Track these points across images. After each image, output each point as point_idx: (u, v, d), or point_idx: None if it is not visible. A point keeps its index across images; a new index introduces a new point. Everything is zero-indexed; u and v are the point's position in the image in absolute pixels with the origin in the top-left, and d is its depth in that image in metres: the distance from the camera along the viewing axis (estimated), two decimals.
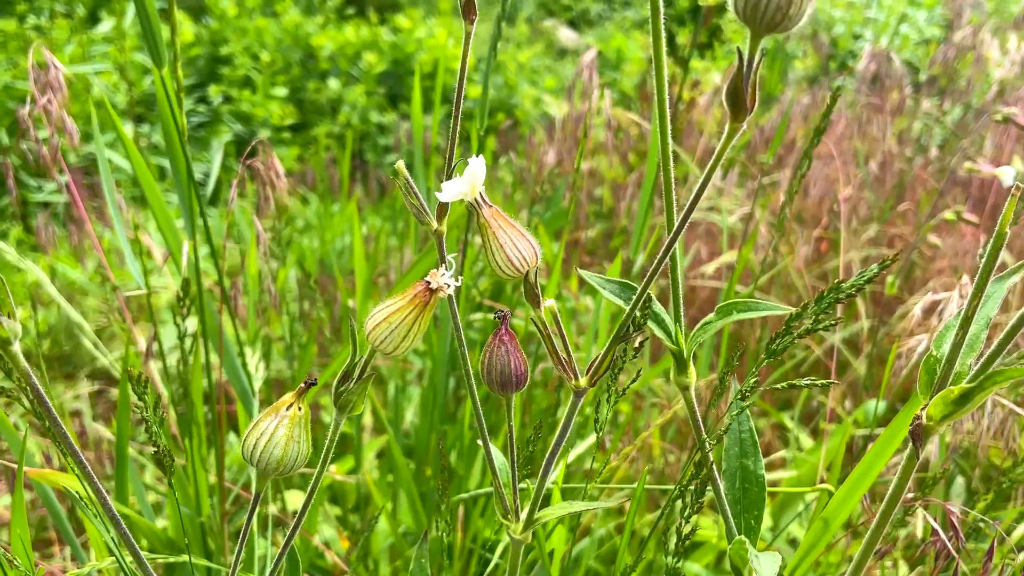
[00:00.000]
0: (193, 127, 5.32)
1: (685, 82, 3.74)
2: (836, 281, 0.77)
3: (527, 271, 0.75)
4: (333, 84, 5.60)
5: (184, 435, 1.57)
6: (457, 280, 0.70)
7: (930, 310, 1.51)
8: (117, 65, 4.80)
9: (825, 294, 0.78)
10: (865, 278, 0.76)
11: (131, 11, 5.29)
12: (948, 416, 0.72)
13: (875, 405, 1.80)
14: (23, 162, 4.17)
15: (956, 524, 1.04)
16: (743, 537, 0.83)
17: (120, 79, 4.89)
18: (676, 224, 0.75)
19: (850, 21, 5.45)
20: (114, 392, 2.53)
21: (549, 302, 0.78)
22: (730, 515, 0.91)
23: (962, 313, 0.71)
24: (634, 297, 0.80)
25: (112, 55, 4.92)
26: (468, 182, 0.72)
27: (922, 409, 0.73)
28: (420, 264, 1.53)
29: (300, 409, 0.72)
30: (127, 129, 3.85)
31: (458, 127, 0.78)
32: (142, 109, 5.11)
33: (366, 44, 5.90)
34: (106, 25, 5.27)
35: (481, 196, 0.73)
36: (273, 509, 1.75)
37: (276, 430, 0.71)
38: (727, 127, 0.68)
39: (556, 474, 1.23)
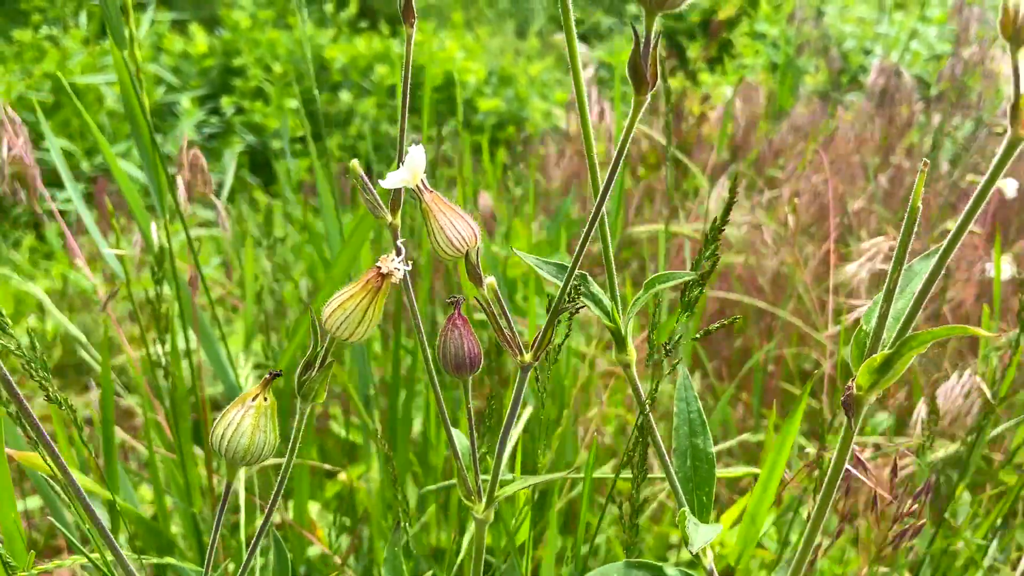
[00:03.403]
0: (205, 138, 5.36)
1: (695, 96, 3.75)
2: (713, 220, 0.92)
3: (467, 251, 0.79)
4: (345, 96, 5.63)
5: (171, 425, 1.59)
6: (407, 264, 0.72)
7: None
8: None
9: (708, 237, 0.92)
10: (725, 205, 0.93)
11: (146, 22, 5.34)
12: (875, 385, 0.75)
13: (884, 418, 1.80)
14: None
15: (860, 459, 1.10)
16: (685, 509, 0.88)
17: None
18: (599, 197, 0.79)
19: (860, 36, 5.46)
20: (123, 402, 2.54)
21: (490, 279, 0.82)
22: (681, 492, 0.94)
23: (885, 287, 0.75)
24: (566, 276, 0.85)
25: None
26: (409, 170, 0.76)
27: (852, 380, 0.76)
28: (350, 244, 1.56)
29: (266, 400, 0.73)
30: None
31: (406, 122, 0.83)
32: (155, 119, 5.15)
33: (378, 56, 5.93)
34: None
35: (422, 183, 0.78)
36: (286, 516, 1.76)
37: (242, 420, 0.72)
38: (633, 101, 0.73)
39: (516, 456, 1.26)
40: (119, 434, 1.98)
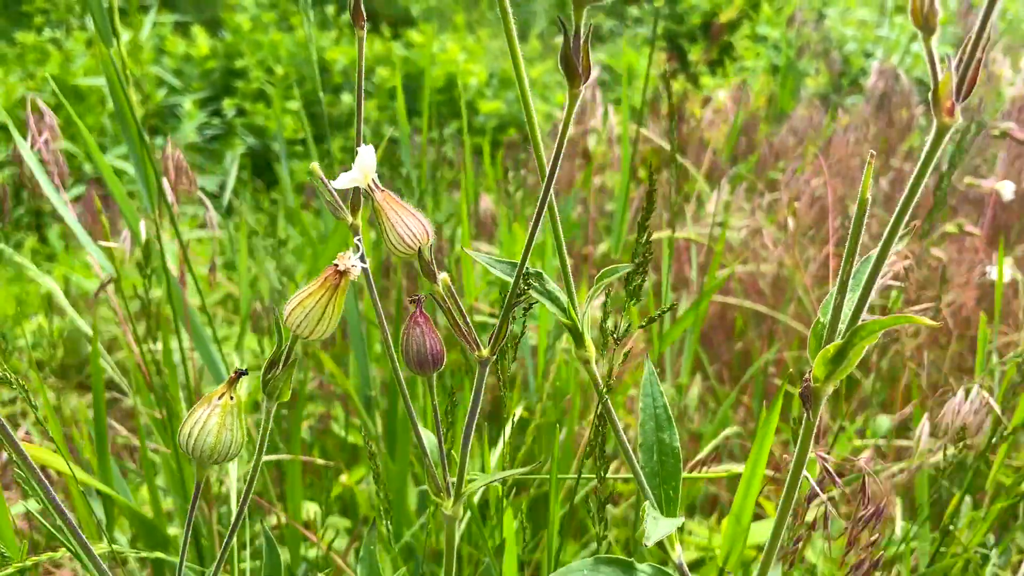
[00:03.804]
0: (207, 140, 5.36)
1: (696, 99, 3.75)
2: (642, 211, 0.97)
3: (420, 247, 0.81)
4: (346, 98, 5.63)
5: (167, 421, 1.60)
6: (364, 262, 0.74)
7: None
8: (133, 77, 4.84)
9: (640, 225, 0.97)
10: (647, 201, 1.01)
11: (148, 24, 5.35)
12: (831, 375, 0.76)
13: (884, 420, 1.81)
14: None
15: (829, 469, 1.10)
16: (647, 503, 0.90)
17: (136, 91, 4.94)
18: (545, 183, 0.80)
19: (861, 39, 5.46)
20: (126, 402, 2.55)
21: (443, 275, 0.83)
22: (647, 487, 0.95)
23: (839, 279, 0.76)
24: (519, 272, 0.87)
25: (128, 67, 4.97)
26: (360, 170, 0.78)
27: (809, 372, 0.77)
28: (327, 249, 1.59)
29: (232, 398, 0.74)
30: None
31: (362, 126, 0.86)
32: (157, 121, 5.16)
33: (379, 59, 5.93)
34: (123, 38, 5.32)
35: (373, 182, 0.79)
36: (283, 518, 1.76)
37: (208, 419, 0.73)
38: (568, 94, 0.74)
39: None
40: (123, 434, 1.98)
